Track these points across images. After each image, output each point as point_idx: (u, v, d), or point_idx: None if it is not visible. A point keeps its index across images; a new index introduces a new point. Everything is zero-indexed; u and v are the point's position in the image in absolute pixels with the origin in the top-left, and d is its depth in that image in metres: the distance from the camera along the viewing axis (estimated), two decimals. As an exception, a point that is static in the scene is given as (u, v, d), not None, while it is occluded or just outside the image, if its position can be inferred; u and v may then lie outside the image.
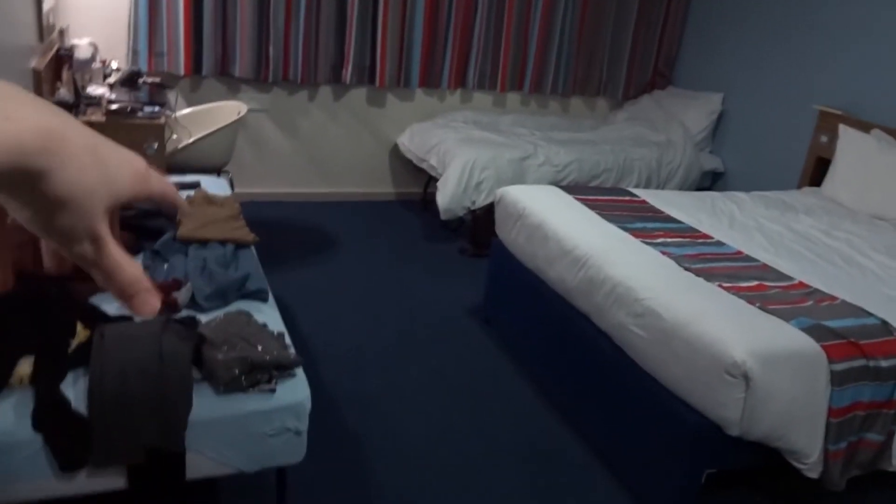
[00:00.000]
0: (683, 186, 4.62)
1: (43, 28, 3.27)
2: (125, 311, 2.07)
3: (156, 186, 0.46)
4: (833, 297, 2.34)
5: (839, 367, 2.02)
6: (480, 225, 4.11)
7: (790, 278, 2.49)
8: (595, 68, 5.24)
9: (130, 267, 0.44)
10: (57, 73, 3.47)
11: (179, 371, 1.73)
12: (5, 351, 1.69)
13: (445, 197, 4.04)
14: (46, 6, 3.34)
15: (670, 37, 5.31)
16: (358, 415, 2.62)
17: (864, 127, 3.72)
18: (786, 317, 2.13)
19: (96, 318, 1.90)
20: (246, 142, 4.53)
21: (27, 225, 0.42)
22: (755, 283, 2.40)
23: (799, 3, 4.30)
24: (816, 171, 4.02)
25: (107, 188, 0.42)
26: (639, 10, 5.16)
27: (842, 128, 3.78)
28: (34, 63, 3.05)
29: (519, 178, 4.12)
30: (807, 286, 2.43)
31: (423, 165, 4.50)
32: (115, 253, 0.43)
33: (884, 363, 2.08)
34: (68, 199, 0.39)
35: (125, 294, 0.44)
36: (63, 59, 3.52)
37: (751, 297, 2.26)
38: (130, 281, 0.44)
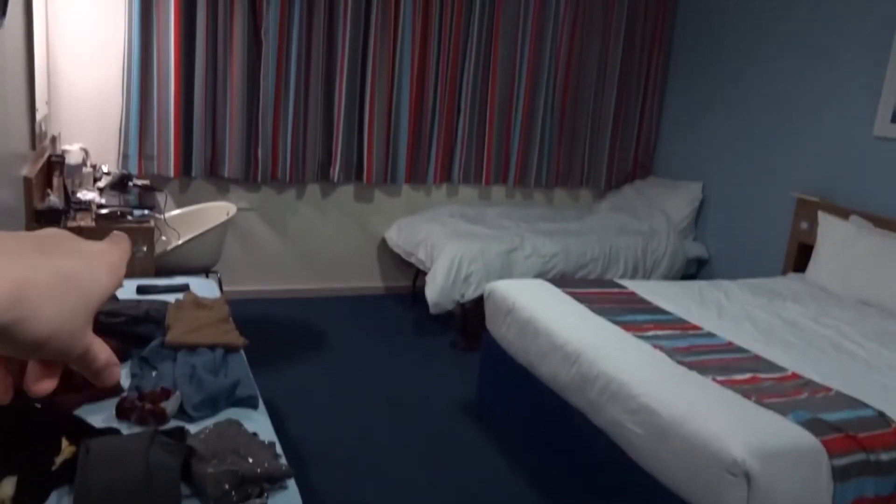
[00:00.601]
0: (669, 274, 4.67)
1: (35, 136, 3.33)
2: (111, 424, 2.02)
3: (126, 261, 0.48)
4: (827, 388, 2.34)
5: (840, 461, 2.00)
6: (470, 318, 4.10)
7: (783, 369, 2.48)
8: (577, 160, 5.37)
9: (104, 353, 0.45)
10: (48, 179, 3.51)
11: (167, 487, 1.67)
12: (-13, 471, 1.64)
13: (434, 290, 4.05)
14: (40, 115, 3.41)
15: (648, 128, 5.48)
16: (350, 522, 2.54)
17: (842, 213, 3.80)
18: (783, 411, 2.12)
19: (82, 432, 1.85)
20: (235, 240, 4.56)
21: (15, 356, 0.42)
22: (749, 375, 2.40)
23: (770, 93, 4.47)
24: (800, 257, 4.09)
25: (86, 302, 0.42)
26: (616, 104, 5.35)
27: (821, 215, 3.86)
28: (25, 171, 3.09)
29: (507, 270, 4.15)
30: (800, 377, 2.42)
31: (412, 259, 4.53)
32: (95, 346, 0.44)
33: (884, 456, 2.06)
34: (51, 336, 0.40)
35: (97, 375, 0.45)
36: (54, 164, 3.57)
37: (746, 390, 2.25)
38: (104, 365, 0.45)
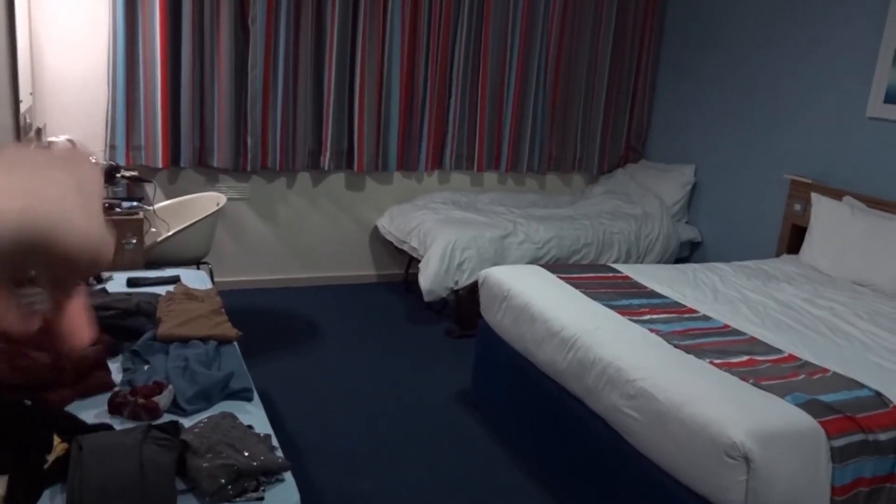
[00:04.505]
0: (663, 258, 4.66)
1: (20, 128, 3.27)
2: (104, 419, 1.99)
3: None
4: (824, 369, 2.33)
5: (838, 442, 1.99)
6: (465, 305, 4.08)
7: (779, 351, 2.48)
8: (569, 145, 5.34)
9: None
10: (34, 172, 3.45)
11: (162, 483, 1.65)
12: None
13: (428, 278, 4.03)
14: (24, 107, 3.35)
15: (640, 112, 5.45)
16: (348, 513, 2.52)
17: (836, 194, 3.80)
18: (780, 392, 2.11)
19: (73, 429, 1.82)
20: (226, 231, 4.52)
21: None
22: (745, 357, 2.39)
23: (763, 74, 4.45)
24: (793, 239, 4.08)
25: (97, 195, 0.43)
26: (608, 87, 5.31)
27: (814, 196, 3.85)
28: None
29: (500, 257, 4.13)
30: (797, 358, 2.42)
31: (404, 247, 4.50)
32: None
33: (882, 436, 2.05)
34: (85, 236, 0.40)
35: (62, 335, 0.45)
36: (40, 157, 3.51)
37: (743, 372, 2.24)
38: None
